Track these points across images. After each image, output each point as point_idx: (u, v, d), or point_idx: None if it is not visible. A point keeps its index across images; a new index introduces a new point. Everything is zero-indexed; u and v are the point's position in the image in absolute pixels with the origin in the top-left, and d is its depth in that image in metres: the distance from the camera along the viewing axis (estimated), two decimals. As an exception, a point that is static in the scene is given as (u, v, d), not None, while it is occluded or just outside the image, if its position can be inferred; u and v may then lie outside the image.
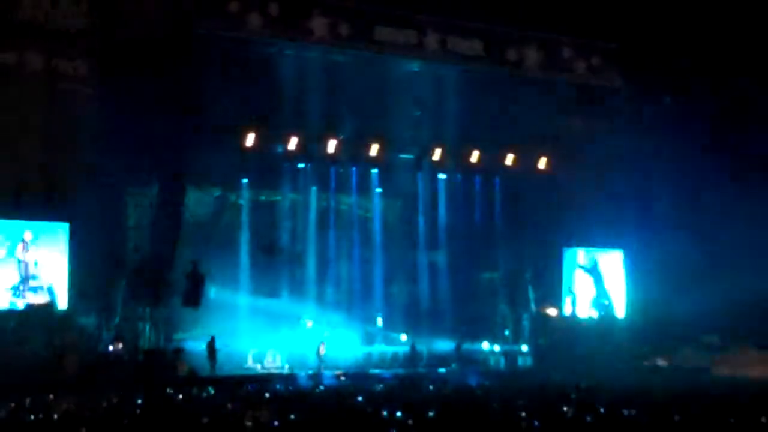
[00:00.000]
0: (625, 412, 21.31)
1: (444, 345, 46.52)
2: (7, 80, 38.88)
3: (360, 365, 44.19)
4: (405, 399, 27.36)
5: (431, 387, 34.00)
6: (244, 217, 47.03)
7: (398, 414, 21.36)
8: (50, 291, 39.80)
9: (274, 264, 46.97)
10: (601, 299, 50.50)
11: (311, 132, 45.62)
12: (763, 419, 19.52)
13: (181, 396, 30.36)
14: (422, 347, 46.52)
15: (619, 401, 24.12)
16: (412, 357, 45.70)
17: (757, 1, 45.28)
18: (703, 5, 45.30)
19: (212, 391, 31.67)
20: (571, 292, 49.81)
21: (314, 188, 48.09)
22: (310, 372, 41.40)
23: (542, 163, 48.15)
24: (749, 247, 46.31)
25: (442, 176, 49.80)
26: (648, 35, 46.69)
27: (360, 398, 27.16)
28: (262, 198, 48.09)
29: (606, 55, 49.05)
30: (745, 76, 46.51)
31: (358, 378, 39.71)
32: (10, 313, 39.15)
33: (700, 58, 46.26)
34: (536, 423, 19.36)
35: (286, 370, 42.24)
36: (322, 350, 44.09)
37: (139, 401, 27.01)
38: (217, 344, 41.45)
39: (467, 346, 47.13)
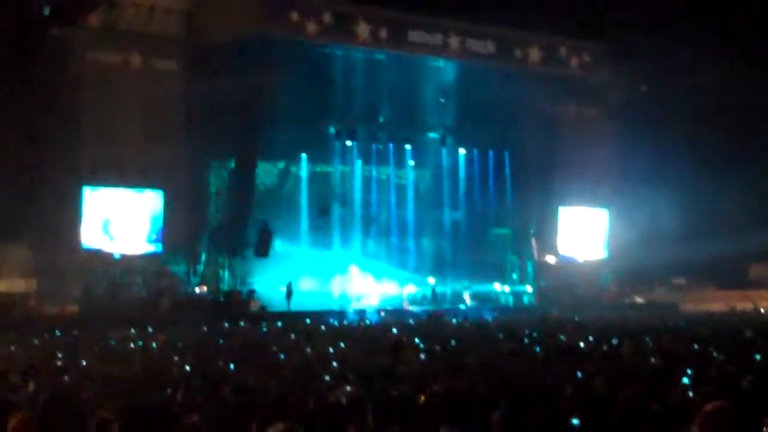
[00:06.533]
0: (614, 341, 21.14)
1: (464, 287, 46.43)
2: (113, 77, 39.12)
3: (396, 303, 44.18)
4: (432, 330, 27.36)
5: (453, 320, 33.94)
6: (303, 185, 47.08)
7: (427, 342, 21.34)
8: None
9: (327, 222, 46.90)
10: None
11: (357, 116, 45.58)
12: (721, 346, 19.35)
13: (252, 327, 30.58)
14: (446, 289, 46.58)
15: (606, 331, 24.04)
16: (436, 297, 45.76)
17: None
18: (671, 14, 44.83)
19: (279, 324, 31.80)
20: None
21: (359, 161, 47.87)
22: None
23: (543, 141, 47.76)
24: (713, 206, 46.02)
25: (462, 151, 49.60)
26: (629, 37, 46.21)
27: (395, 330, 27.15)
28: (318, 169, 47.95)
29: (595, 53, 48.66)
30: (708, 69, 45.97)
31: (395, 314, 39.74)
32: (118, 261, 39.64)
33: (670, 55, 45.78)
34: (538, 349, 19.28)
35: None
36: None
37: (221, 332, 27.20)
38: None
39: (482, 287, 47.08)
